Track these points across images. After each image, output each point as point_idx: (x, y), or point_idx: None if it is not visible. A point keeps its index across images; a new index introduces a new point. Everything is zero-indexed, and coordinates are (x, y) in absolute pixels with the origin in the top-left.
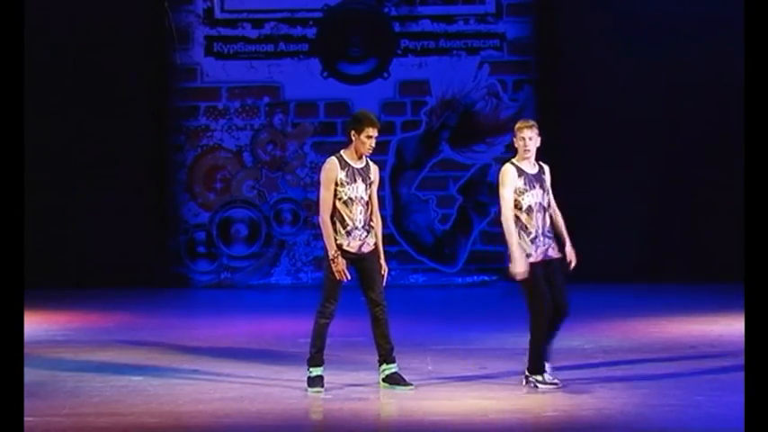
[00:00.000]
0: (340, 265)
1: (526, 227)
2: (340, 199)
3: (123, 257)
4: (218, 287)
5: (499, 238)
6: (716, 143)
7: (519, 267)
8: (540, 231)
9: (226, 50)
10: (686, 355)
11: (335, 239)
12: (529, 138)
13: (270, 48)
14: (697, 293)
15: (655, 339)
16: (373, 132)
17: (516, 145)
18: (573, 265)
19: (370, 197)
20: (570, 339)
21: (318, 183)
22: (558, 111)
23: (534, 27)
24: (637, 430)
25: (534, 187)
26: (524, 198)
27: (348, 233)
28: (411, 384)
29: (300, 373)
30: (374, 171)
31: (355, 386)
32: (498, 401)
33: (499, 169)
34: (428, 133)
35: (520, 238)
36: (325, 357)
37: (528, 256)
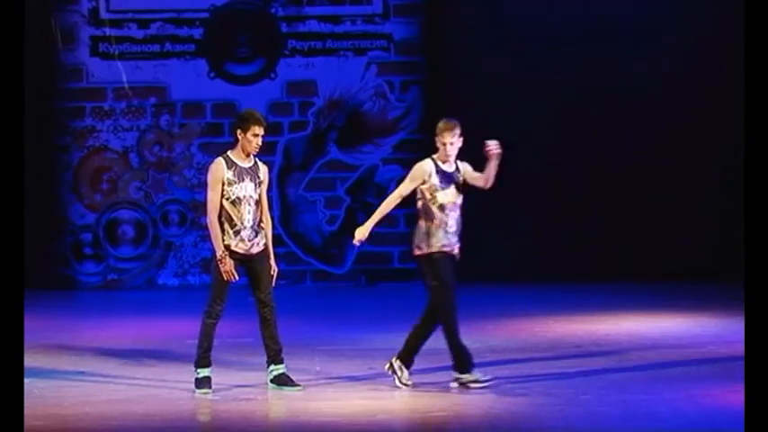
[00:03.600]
0: (227, 266)
1: (444, 222)
2: (228, 199)
3: None
4: (104, 289)
5: (387, 238)
6: (600, 143)
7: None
8: (452, 230)
9: (112, 51)
10: (572, 355)
11: (223, 240)
12: (450, 143)
13: (156, 48)
14: (582, 293)
15: (541, 339)
16: (259, 131)
17: (438, 145)
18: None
19: (259, 197)
20: None
21: (206, 184)
22: (445, 111)
23: (421, 28)
24: (524, 429)
25: (449, 186)
26: (438, 195)
27: (236, 233)
28: (299, 385)
29: (188, 375)
30: (263, 171)
31: (243, 387)
32: (386, 402)
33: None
34: (315, 134)
35: (433, 227)
36: (212, 358)
37: (444, 245)
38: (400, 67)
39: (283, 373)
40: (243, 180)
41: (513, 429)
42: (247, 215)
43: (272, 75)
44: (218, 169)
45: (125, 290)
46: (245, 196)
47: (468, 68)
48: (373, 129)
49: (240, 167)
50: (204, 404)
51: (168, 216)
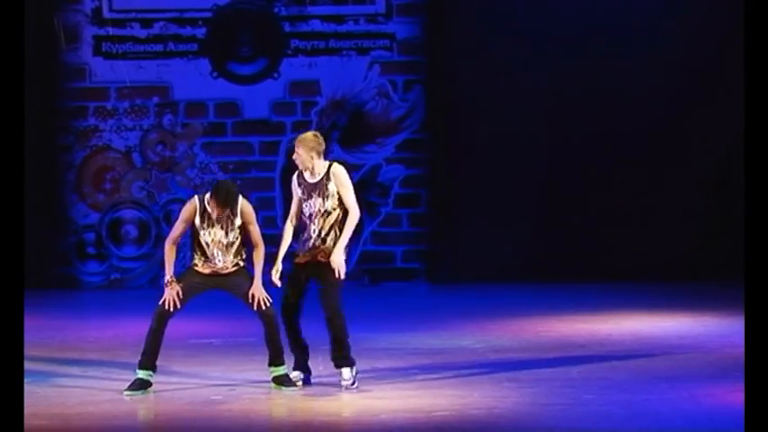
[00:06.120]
0: (171, 293)
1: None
2: (200, 236)
3: None
4: (107, 288)
5: (390, 238)
6: (605, 144)
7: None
8: (314, 234)
9: (114, 50)
10: (576, 354)
11: (192, 258)
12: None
13: (159, 48)
14: (585, 293)
15: (544, 339)
16: (213, 204)
17: None
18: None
19: (249, 234)
20: (461, 339)
21: (208, 185)
22: (447, 111)
23: (424, 27)
24: (527, 429)
25: (309, 198)
26: (304, 207)
27: (205, 260)
28: (296, 385)
29: (191, 375)
30: (244, 213)
31: (246, 386)
32: (389, 401)
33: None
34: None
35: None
36: (158, 364)
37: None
38: (403, 67)
39: (283, 374)
40: (213, 227)
41: (515, 429)
42: (218, 254)
43: (275, 74)
44: (189, 210)
45: (128, 289)
46: (213, 240)
47: (471, 68)
48: (376, 128)
49: (210, 216)
50: (207, 403)
51: (171, 215)
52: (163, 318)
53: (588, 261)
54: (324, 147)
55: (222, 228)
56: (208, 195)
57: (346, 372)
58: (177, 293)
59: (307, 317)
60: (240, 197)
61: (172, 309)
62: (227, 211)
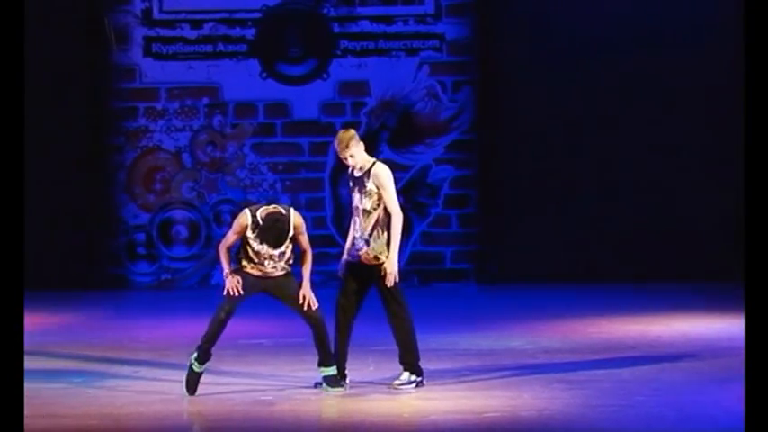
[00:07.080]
0: (232, 282)
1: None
2: (250, 245)
3: (63, 259)
4: (158, 288)
5: (439, 238)
6: (653, 143)
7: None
8: (357, 234)
9: (164, 51)
10: (626, 356)
11: (241, 261)
12: (343, 158)
13: (209, 48)
14: (635, 293)
15: (595, 340)
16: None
17: None
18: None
19: (299, 243)
20: (511, 340)
21: (257, 185)
22: (496, 111)
23: (473, 28)
24: (578, 431)
25: (353, 191)
26: (352, 198)
27: (254, 265)
28: (341, 386)
29: (240, 375)
30: (294, 225)
31: (296, 387)
32: (439, 402)
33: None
34: (368, 134)
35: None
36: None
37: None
38: (452, 68)
39: (332, 375)
40: (262, 242)
41: (566, 431)
42: (267, 261)
43: (325, 75)
44: (241, 224)
45: (178, 289)
46: (263, 252)
47: (520, 68)
48: (425, 129)
49: (261, 230)
50: (257, 404)
51: (221, 216)
52: (232, 306)
53: (638, 261)
54: (355, 137)
55: (274, 237)
56: (260, 212)
57: (405, 375)
58: (238, 281)
59: (361, 318)
60: (291, 211)
61: (237, 294)
62: (283, 214)
